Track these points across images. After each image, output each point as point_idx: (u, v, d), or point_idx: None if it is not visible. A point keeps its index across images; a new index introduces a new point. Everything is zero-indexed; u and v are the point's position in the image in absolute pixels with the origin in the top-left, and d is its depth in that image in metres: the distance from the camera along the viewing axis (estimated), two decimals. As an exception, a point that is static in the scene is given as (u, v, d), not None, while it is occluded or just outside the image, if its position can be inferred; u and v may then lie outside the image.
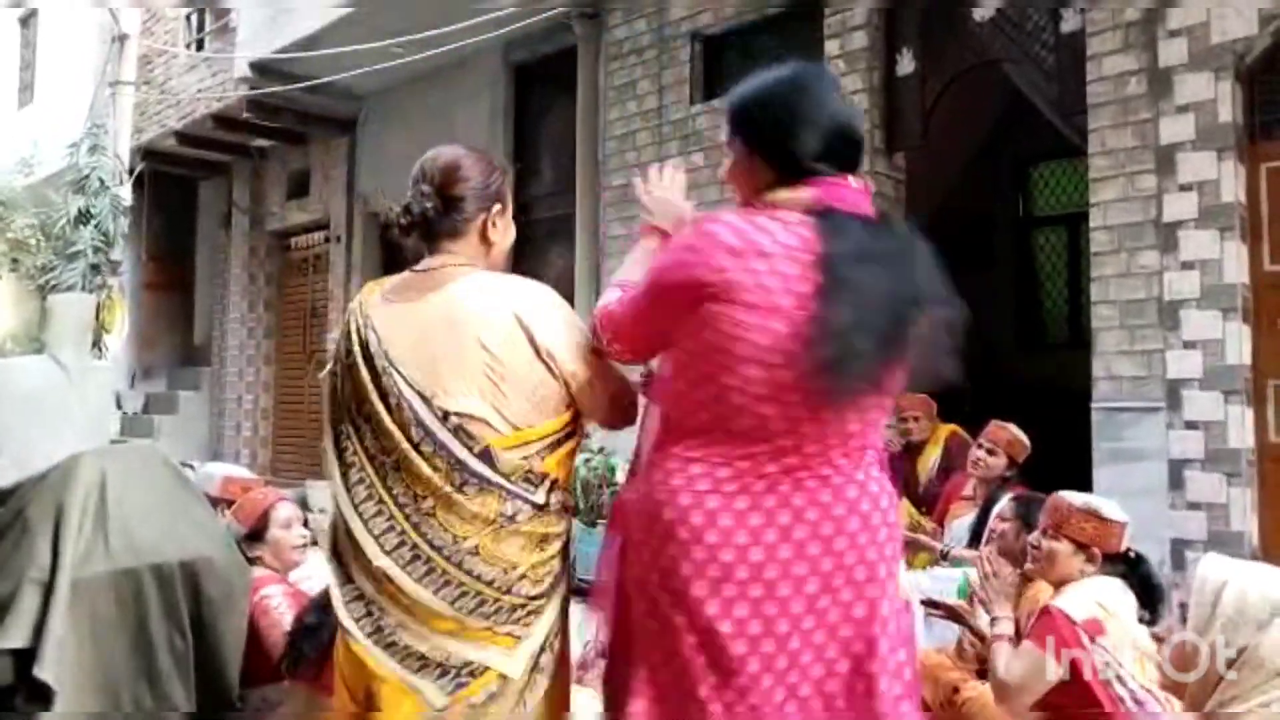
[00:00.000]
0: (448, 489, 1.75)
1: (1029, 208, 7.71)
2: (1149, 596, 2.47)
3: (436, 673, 1.75)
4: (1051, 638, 2.33)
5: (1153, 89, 4.42)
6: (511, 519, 1.77)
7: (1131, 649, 2.35)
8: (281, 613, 2.73)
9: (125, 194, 7.70)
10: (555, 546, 1.85)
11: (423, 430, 1.76)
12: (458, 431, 1.76)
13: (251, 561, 2.85)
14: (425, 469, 1.76)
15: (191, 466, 3.37)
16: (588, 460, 5.66)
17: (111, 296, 7.41)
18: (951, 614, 3.03)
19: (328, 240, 9.61)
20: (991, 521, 4.03)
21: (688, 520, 1.62)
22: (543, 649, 1.82)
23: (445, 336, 1.79)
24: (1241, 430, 4.12)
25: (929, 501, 4.73)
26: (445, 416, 1.77)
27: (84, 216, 7.53)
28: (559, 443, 1.86)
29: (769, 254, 1.59)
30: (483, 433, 1.77)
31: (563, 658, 1.89)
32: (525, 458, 1.80)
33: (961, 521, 4.30)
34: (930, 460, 4.91)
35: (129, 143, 7.86)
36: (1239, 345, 4.15)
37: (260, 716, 2.73)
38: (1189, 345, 4.26)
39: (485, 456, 1.76)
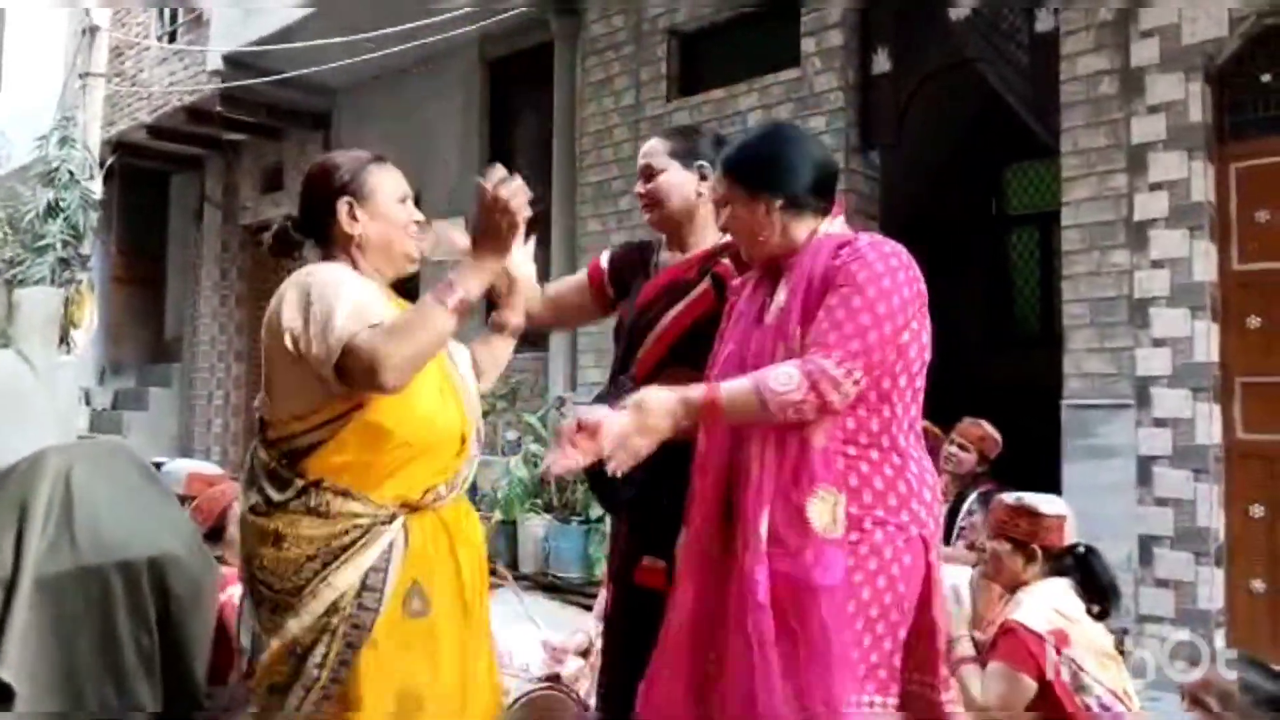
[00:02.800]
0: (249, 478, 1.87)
1: (1002, 207, 7.75)
2: (1098, 591, 2.46)
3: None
4: (1020, 653, 2.33)
5: (1125, 89, 4.46)
6: (252, 510, 1.83)
7: (1094, 653, 2.36)
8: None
9: (95, 187, 7.60)
10: (301, 549, 1.76)
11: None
12: (259, 423, 1.88)
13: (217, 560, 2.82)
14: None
15: (160, 464, 3.33)
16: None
17: (80, 291, 7.32)
18: None
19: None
20: (960, 518, 4.07)
21: None
22: (295, 652, 1.76)
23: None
24: (1209, 427, 4.16)
25: (902, 498, 4.75)
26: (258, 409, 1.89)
27: (53, 210, 7.43)
28: (328, 438, 1.77)
29: None
30: (265, 421, 1.87)
31: (353, 683, 1.76)
32: (284, 452, 1.80)
33: (934, 518, 4.32)
34: (903, 457, 4.94)
35: (99, 135, 7.76)
36: (1207, 343, 4.20)
37: (228, 715, 2.70)
38: (1158, 343, 4.30)
39: (258, 446, 1.87)
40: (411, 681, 1.79)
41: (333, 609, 1.75)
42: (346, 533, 1.76)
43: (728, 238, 2.09)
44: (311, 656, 1.76)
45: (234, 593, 2.73)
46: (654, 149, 2.33)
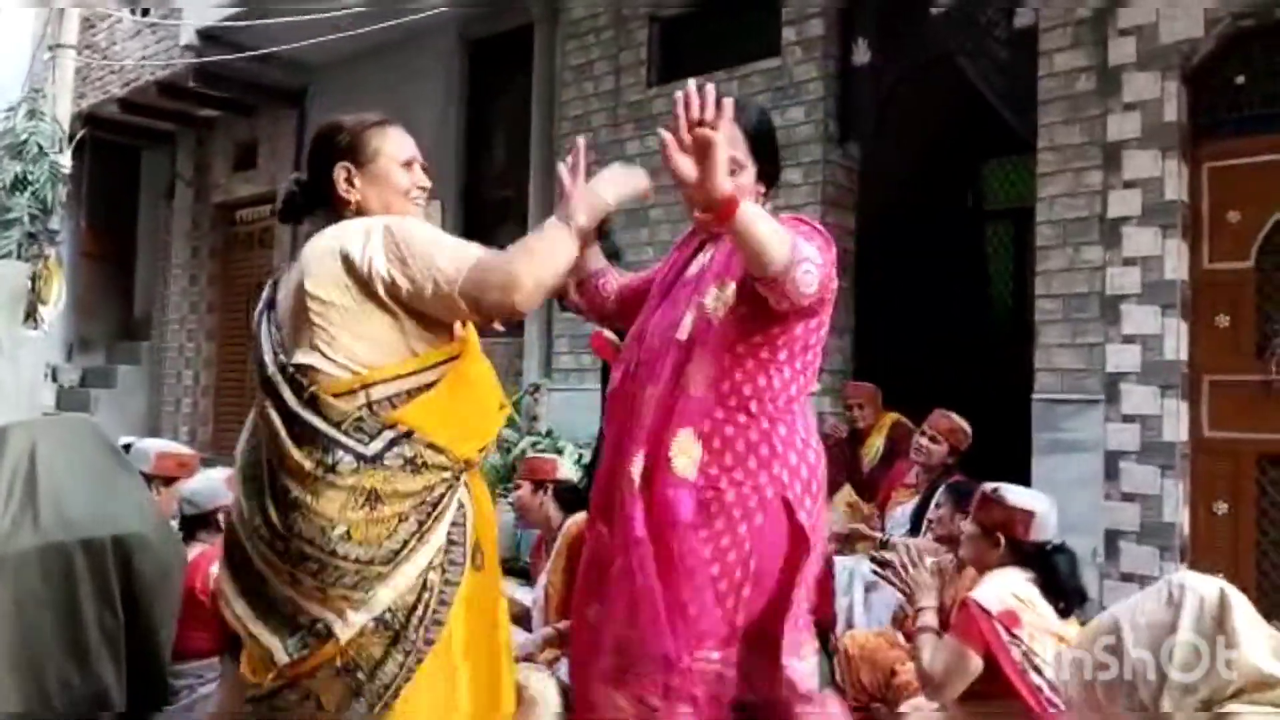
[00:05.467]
0: (282, 439, 1.71)
1: (979, 201, 7.80)
2: (1058, 591, 2.48)
3: (287, 629, 1.72)
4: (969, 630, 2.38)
5: (1102, 86, 4.49)
6: (332, 469, 1.68)
7: (1050, 637, 2.39)
8: None
9: (65, 161, 7.46)
10: (395, 508, 1.69)
11: (270, 384, 1.76)
12: (291, 381, 1.74)
13: (200, 536, 2.79)
14: (265, 423, 1.75)
15: (129, 445, 3.28)
16: (535, 443, 5.65)
17: (48, 266, 7.19)
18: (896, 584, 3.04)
19: (274, 214, 9.39)
20: (930, 510, 4.11)
21: None
22: (388, 622, 1.69)
23: (288, 293, 1.81)
24: (1176, 424, 4.21)
25: (872, 488, 4.79)
26: (284, 369, 1.75)
27: (20, 183, 7.28)
28: (417, 389, 1.74)
29: None
30: (313, 379, 1.73)
31: (444, 639, 1.74)
32: (362, 405, 1.71)
33: (903, 508, 4.37)
34: (874, 447, 4.99)
35: (69, 108, 7.61)
36: (1176, 341, 4.24)
37: (194, 694, 2.69)
38: (1128, 340, 4.35)
39: (312, 403, 1.71)
40: (484, 636, 1.83)
41: (429, 568, 1.72)
42: (435, 487, 1.73)
43: None
44: (411, 620, 1.70)
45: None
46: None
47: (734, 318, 1.87)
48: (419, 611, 1.70)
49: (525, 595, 3.70)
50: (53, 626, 2.38)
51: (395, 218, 1.81)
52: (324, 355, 1.73)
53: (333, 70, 8.53)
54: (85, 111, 9.13)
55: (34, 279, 6.98)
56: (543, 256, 1.72)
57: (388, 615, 1.69)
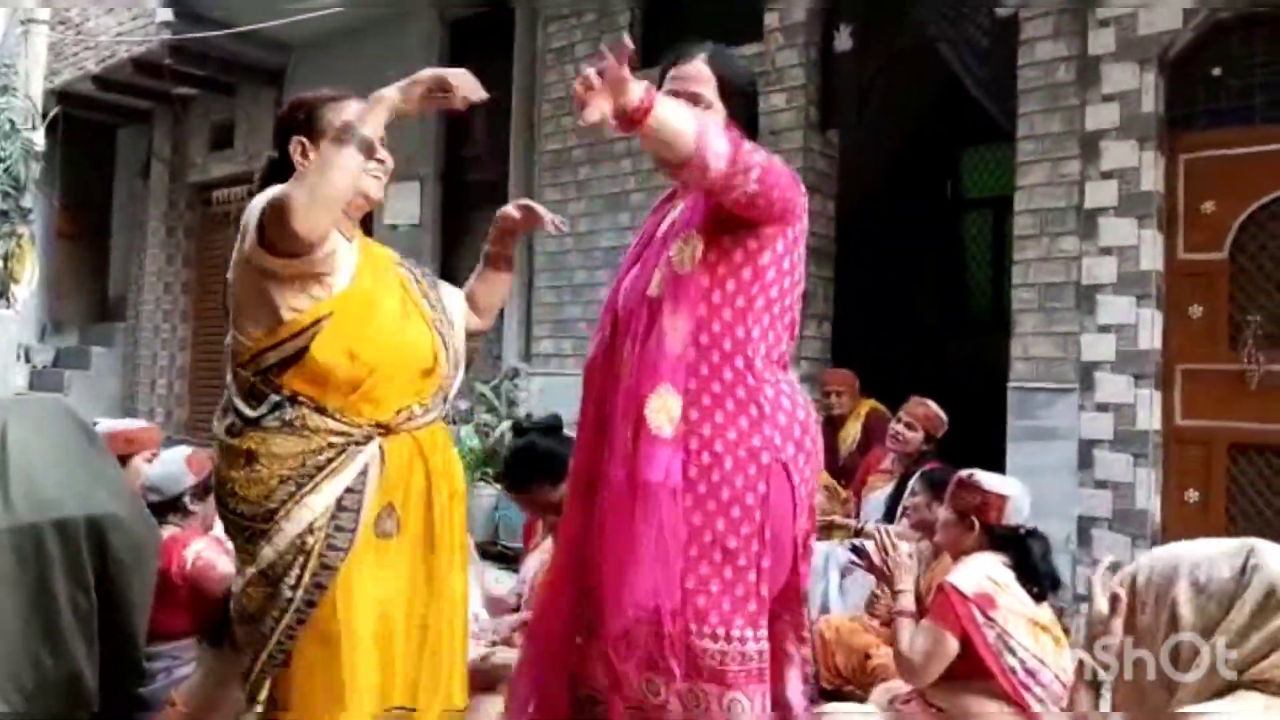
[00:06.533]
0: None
1: (958, 190, 7.83)
2: (1030, 575, 2.51)
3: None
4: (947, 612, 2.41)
5: (1081, 77, 4.51)
6: (226, 432, 1.82)
7: (1024, 621, 2.42)
8: (226, 561, 2.67)
9: (38, 138, 7.35)
10: (273, 468, 1.76)
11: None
12: (230, 355, 1.85)
13: (170, 519, 2.76)
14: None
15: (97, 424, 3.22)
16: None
17: (21, 245, 7.10)
18: (875, 569, 3.07)
19: (251, 195, 9.29)
20: (906, 497, 4.13)
21: None
22: (269, 577, 1.76)
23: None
24: (1149, 413, 4.26)
25: (848, 474, 4.82)
26: (228, 346, 1.88)
27: (-8, 160, 7.19)
28: (295, 355, 1.77)
29: None
30: (232, 352, 1.85)
31: (329, 603, 1.77)
32: (257, 373, 1.80)
33: (879, 494, 4.39)
34: (851, 434, 5.01)
35: (42, 85, 7.51)
36: (1151, 331, 4.28)
37: (170, 676, 2.67)
38: (1103, 329, 4.39)
39: (234, 375, 1.85)
40: (384, 603, 1.81)
41: (308, 530, 1.75)
42: (321, 451, 1.77)
43: None
44: (285, 579, 1.75)
45: (198, 548, 2.68)
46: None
47: (704, 266, 1.83)
48: (295, 571, 1.76)
49: (505, 581, 3.68)
50: (23, 608, 2.35)
51: (285, 185, 1.79)
52: (235, 330, 1.84)
53: (312, 50, 8.45)
54: (59, 88, 9.01)
55: (6, 258, 6.90)
56: (317, 181, 1.71)
57: (269, 571, 1.77)
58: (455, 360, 2.00)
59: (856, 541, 3.13)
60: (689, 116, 1.69)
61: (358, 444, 1.79)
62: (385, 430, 1.83)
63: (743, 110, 1.94)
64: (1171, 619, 1.49)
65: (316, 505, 1.76)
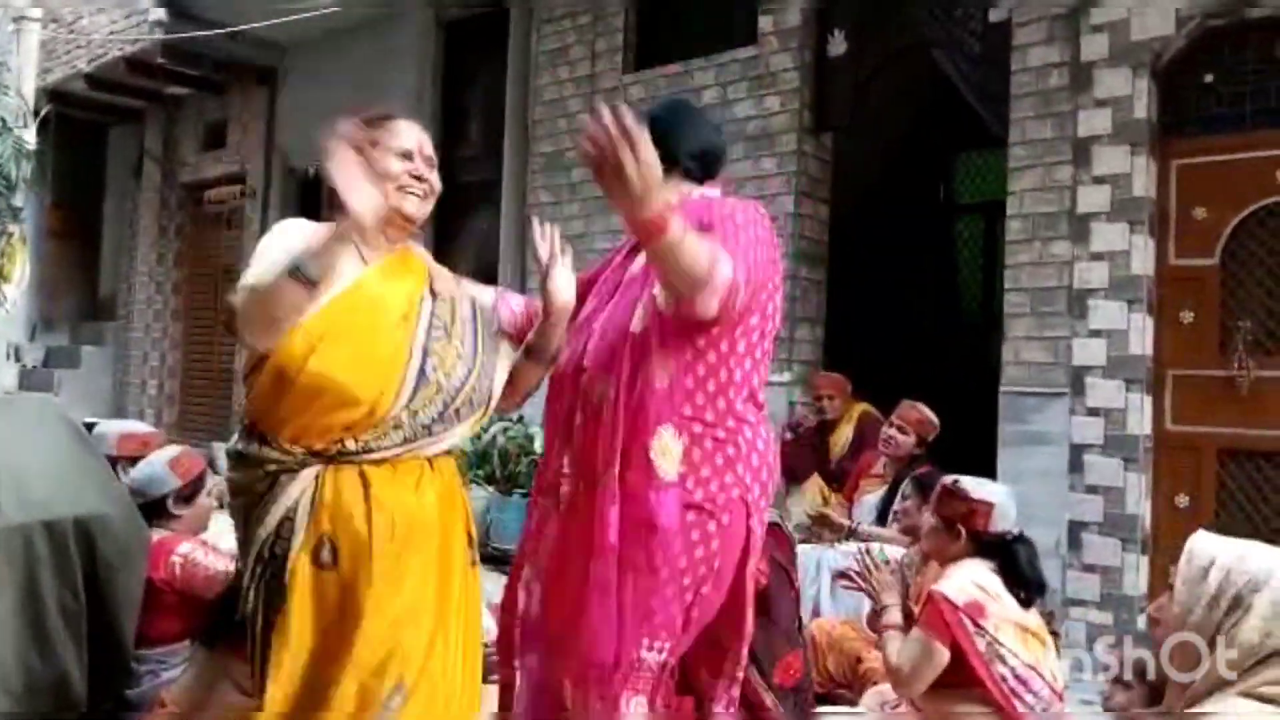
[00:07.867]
0: None
1: (951, 194, 7.84)
2: (1017, 581, 2.51)
3: None
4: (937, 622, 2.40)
5: (1074, 82, 4.52)
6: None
7: (1014, 628, 2.42)
8: (213, 562, 2.66)
9: (29, 137, 7.32)
10: (237, 499, 1.85)
11: None
12: None
13: (156, 523, 2.75)
14: None
15: (91, 425, 3.21)
16: (506, 429, 5.63)
17: (12, 243, 7.07)
18: (862, 588, 3.09)
19: (243, 195, 9.29)
20: (897, 501, 4.14)
21: None
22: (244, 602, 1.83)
23: None
24: (1140, 417, 4.27)
25: (840, 478, 4.82)
26: None
27: (-18, 158, 7.15)
28: (251, 389, 1.84)
29: None
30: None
31: (282, 630, 1.76)
32: (244, 405, 1.91)
33: (870, 498, 4.40)
34: (843, 438, 5.02)
35: (34, 83, 7.47)
36: (1142, 336, 4.30)
37: (157, 679, 2.66)
38: (1095, 334, 4.40)
39: None
40: (321, 636, 1.76)
41: (258, 557, 1.79)
42: (261, 479, 1.79)
43: None
44: (247, 602, 1.81)
45: (184, 552, 2.67)
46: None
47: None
48: (251, 596, 1.80)
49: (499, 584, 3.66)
50: (11, 609, 2.33)
51: (283, 224, 1.87)
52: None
53: (306, 49, 8.43)
54: (51, 87, 8.98)
55: (-4, 256, 6.86)
56: (263, 305, 1.73)
57: (244, 595, 1.83)
58: (448, 394, 1.86)
59: (842, 567, 3.14)
60: (704, 254, 1.70)
61: (289, 471, 1.78)
62: (327, 460, 1.78)
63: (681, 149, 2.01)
64: (1236, 624, 1.49)
65: (263, 531, 1.79)
